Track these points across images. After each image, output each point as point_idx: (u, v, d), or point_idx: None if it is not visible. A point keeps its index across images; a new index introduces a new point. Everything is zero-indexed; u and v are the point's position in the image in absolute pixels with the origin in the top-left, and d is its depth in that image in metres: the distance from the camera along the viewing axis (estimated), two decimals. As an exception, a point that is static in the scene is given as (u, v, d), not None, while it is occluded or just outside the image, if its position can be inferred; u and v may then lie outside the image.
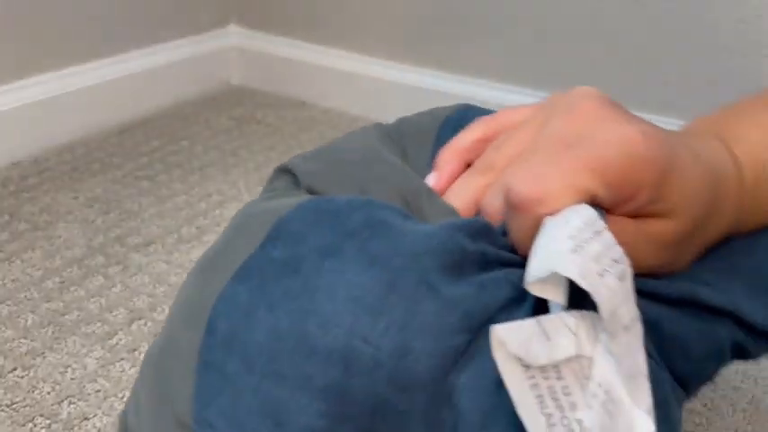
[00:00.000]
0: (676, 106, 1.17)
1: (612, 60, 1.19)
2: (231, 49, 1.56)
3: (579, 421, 0.25)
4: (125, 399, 0.73)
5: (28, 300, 0.87)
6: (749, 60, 1.09)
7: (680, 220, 0.34)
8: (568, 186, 0.31)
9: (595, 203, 0.32)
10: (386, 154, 0.44)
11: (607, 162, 0.31)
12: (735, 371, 0.76)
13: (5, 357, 0.77)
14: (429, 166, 0.46)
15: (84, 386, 0.74)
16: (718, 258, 0.40)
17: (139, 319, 0.84)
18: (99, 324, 0.83)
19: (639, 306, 0.28)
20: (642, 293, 0.34)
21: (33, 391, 0.73)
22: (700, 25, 1.10)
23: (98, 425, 0.70)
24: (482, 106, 0.54)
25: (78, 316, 0.84)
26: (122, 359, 0.78)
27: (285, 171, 0.46)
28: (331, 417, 0.32)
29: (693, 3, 1.10)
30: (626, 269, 0.28)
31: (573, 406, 0.25)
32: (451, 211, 0.39)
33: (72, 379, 0.75)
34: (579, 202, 0.30)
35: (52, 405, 0.72)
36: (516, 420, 0.26)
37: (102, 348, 0.79)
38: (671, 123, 1.19)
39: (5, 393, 0.73)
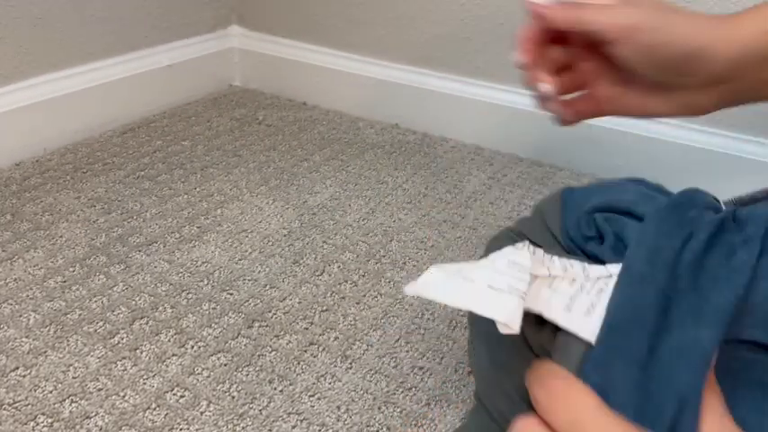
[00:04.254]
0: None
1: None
2: (233, 50, 1.56)
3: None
4: (127, 397, 0.73)
5: (30, 299, 0.87)
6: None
7: None
8: None
9: None
10: None
11: None
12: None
13: (8, 356, 0.78)
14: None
15: (85, 385, 0.75)
16: None
17: (141, 318, 0.85)
18: (101, 323, 0.83)
19: None
20: None
21: (35, 390, 0.74)
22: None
23: (100, 423, 0.70)
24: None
25: (80, 315, 0.85)
26: (124, 358, 0.78)
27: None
28: None
29: (692, 4, 1.10)
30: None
31: None
32: None
33: (74, 378, 0.75)
34: None
35: (54, 404, 0.72)
36: None
37: (104, 347, 0.80)
38: (669, 124, 1.19)
39: (8, 392, 0.73)
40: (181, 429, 0.70)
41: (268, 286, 0.92)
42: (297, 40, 1.50)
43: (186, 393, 0.74)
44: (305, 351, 0.81)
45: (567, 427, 0.29)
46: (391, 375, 0.78)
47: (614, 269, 0.38)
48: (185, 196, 1.12)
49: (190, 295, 0.89)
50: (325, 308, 0.88)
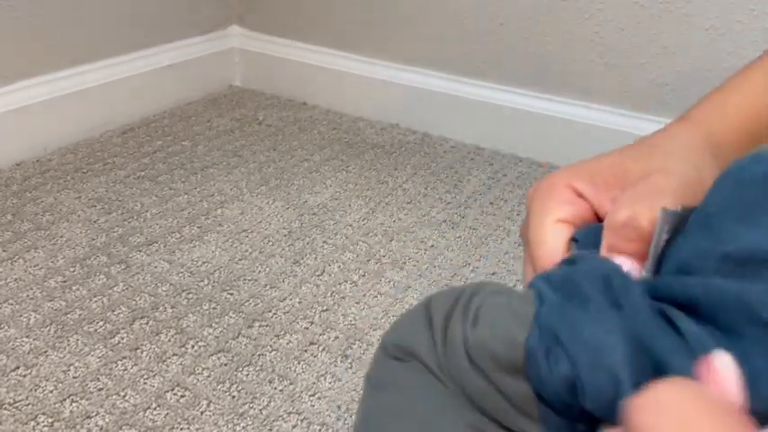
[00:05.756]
0: (674, 106, 1.17)
1: (612, 62, 1.19)
2: (233, 50, 1.56)
3: None
4: (127, 397, 0.73)
5: (30, 299, 0.87)
6: (747, 61, 1.09)
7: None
8: None
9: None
10: None
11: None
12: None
13: (8, 356, 0.78)
14: None
15: (86, 384, 0.75)
16: None
17: (141, 318, 0.85)
18: (101, 323, 0.84)
19: None
20: None
21: (36, 390, 0.74)
22: (698, 26, 1.11)
23: (100, 423, 0.70)
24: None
25: (80, 315, 0.85)
26: (124, 358, 0.79)
27: None
28: None
29: (692, 4, 1.10)
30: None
31: None
32: None
33: (74, 377, 0.75)
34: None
35: (54, 403, 0.72)
36: None
37: (105, 347, 0.80)
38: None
39: (8, 392, 0.73)
40: (181, 429, 0.70)
41: (268, 286, 0.92)
42: (297, 40, 1.50)
43: (186, 393, 0.74)
44: (305, 351, 0.81)
45: None
46: (391, 375, 0.78)
47: None
48: (186, 196, 1.12)
49: (190, 295, 0.89)
50: (325, 308, 0.88)
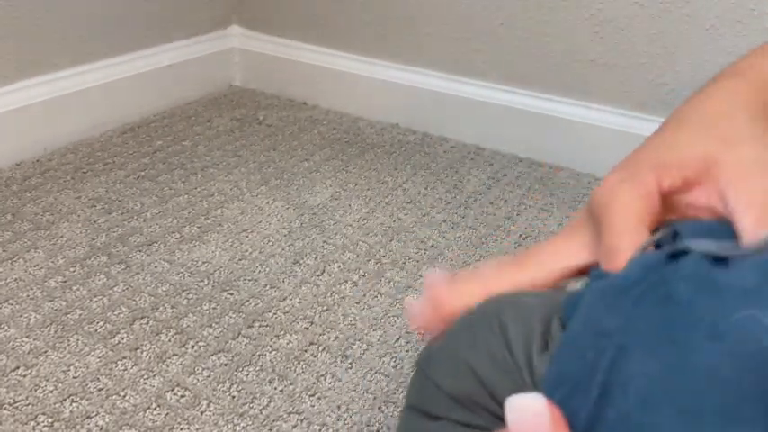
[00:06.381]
0: (674, 107, 1.17)
1: (612, 61, 1.19)
2: (233, 50, 1.56)
3: None
4: (127, 397, 0.73)
5: (30, 299, 0.87)
6: (749, 61, 1.09)
7: None
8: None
9: None
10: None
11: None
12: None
13: (8, 356, 0.78)
14: None
15: (86, 384, 0.75)
16: None
17: (141, 318, 0.85)
18: (101, 323, 0.84)
19: None
20: None
21: (36, 390, 0.74)
22: (698, 26, 1.11)
23: (100, 423, 0.70)
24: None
25: (80, 315, 0.85)
26: (124, 358, 0.79)
27: None
28: None
29: (692, 4, 1.10)
30: None
31: None
32: None
33: (74, 377, 0.75)
34: None
35: (54, 403, 0.72)
36: None
37: (105, 347, 0.80)
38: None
39: (8, 392, 0.73)
40: (181, 429, 0.70)
41: (268, 286, 0.92)
42: (297, 40, 1.50)
43: (186, 393, 0.74)
44: (305, 351, 0.81)
45: None
46: (391, 375, 0.78)
47: None
48: (186, 196, 1.13)
49: (190, 295, 0.89)
50: (325, 308, 0.88)
